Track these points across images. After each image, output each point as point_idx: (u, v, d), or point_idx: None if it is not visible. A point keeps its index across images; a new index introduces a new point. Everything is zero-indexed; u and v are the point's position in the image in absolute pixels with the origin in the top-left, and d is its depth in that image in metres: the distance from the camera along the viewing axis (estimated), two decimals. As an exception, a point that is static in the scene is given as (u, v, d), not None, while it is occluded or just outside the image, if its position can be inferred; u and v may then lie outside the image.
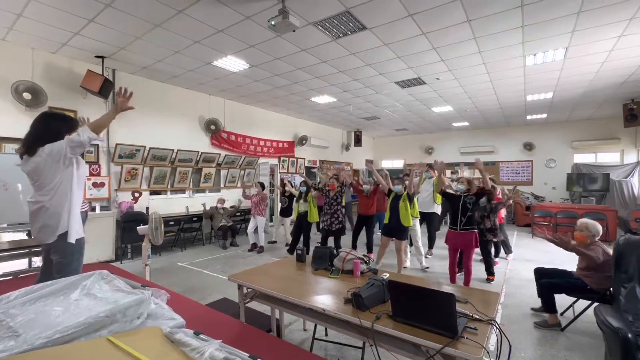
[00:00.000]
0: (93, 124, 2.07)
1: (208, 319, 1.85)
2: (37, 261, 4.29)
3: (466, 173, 7.61)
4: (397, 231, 4.36)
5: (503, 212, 5.42)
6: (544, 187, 10.36)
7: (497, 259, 5.34)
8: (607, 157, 9.58)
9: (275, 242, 7.00)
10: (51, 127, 2.02)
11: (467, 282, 3.78)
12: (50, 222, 2.00)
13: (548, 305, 3.11)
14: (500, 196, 5.03)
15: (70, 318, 0.99)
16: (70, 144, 1.96)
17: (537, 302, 3.33)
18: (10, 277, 3.59)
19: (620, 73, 5.62)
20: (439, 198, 5.70)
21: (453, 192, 4.07)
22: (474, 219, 3.79)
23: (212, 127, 7.24)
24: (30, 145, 1.98)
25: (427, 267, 4.91)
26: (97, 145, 5.46)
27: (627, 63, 5.15)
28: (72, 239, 2.04)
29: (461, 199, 3.83)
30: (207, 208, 6.81)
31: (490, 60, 5.15)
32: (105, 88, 5.00)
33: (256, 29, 4.09)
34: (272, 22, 3.38)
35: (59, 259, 2.03)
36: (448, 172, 11.57)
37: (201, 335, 1.01)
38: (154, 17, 3.84)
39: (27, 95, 4.54)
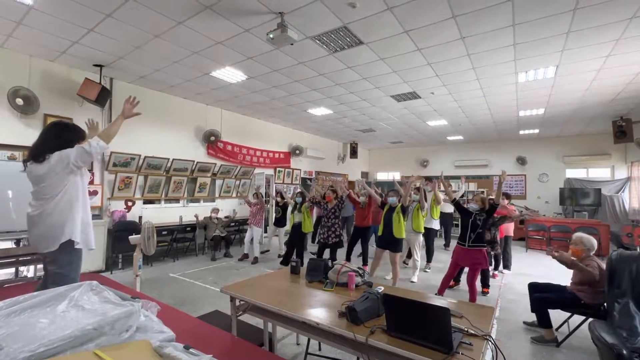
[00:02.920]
0: (103, 133, 2.07)
1: (199, 333, 1.80)
2: (24, 271, 4.18)
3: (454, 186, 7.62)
4: (390, 243, 4.31)
5: (511, 227, 5.45)
6: (538, 201, 10.47)
7: (496, 272, 5.33)
8: (598, 172, 9.74)
9: (267, 251, 6.90)
10: (64, 138, 2.02)
11: (472, 299, 3.69)
12: (52, 230, 1.95)
13: (543, 320, 3.09)
14: (504, 211, 5.03)
15: (57, 331, 0.96)
16: (80, 153, 1.96)
17: (532, 317, 3.32)
18: (-4, 287, 3.48)
19: (609, 91, 5.78)
20: (436, 213, 5.73)
21: (465, 206, 4.04)
22: (484, 236, 3.73)
23: (212, 138, 7.25)
24: (39, 153, 1.97)
25: (414, 282, 4.88)
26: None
27: (615, 81, 5.31)
28: (76, 247, 2.00)
29: (472, 215, 3.79)
30: (201, 219, 6.74)
31: (483, 76, 5.28)
32: (102, 96, 5.00)
33: (255, 41, 4.16)
34: (271, 36, 3.45)
35: (56, 270, 1.97)
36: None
37: (191, 350, 0.99)
38: (153, 28, 3.88)
39: (19, 101, 4.51)
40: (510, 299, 4.28)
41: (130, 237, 3.56)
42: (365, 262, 5.51)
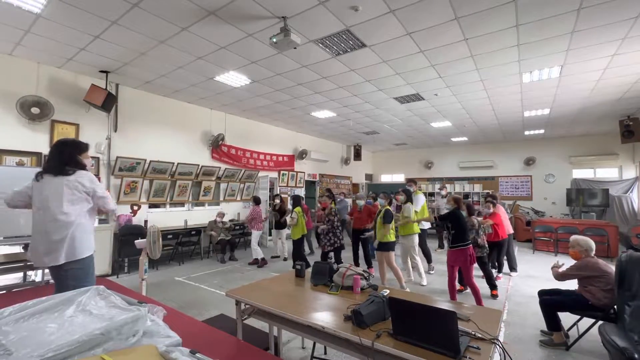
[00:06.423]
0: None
1: (204, 337, 1.80)
2: (32, 275, 4.22)
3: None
4: (382, 244, 4.37)
5: (509, 225, 5.38)
6: (544, 202, 10.36)
7: (499, 274, 5.27)
8: (605, 172, 9.62)
9: (278, 257, 6.83)
10: (65, 152, 2.15)
11: (478, 301, 3.66)
12: (65, 243, 2.03)
13: (552, 323, 3.05)
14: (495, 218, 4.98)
15: (64, 336, 0.96)
16: (100, 197, 2.17)
17: (541, 320, 3.26)
18: (4, 292, 3.52)
19: (616, 90, 5.72)
20: (425, 213, 5.67)
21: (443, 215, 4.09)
22: (463, 235, 3.76)
23: (220, 142, 7.30)
24: (53, 167, 2.10)
25: (424, 285, 4.83)
26: (98, 158, 5.48)
27: (621, 81, 5.25)
28: (87, 259, 2.11)
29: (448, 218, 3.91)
30: (207, 223, 6.77)
31: (487, 77, 5.25)
32: (108, 102, 5.06)
33: (258, 45, 4.19)
34: (274, 40, 3.47)
35: (75, 284, 1.95)
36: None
37: (197, 354, 0.99)
38: (158, 34, 3.93)
39: (35, 110, 4.63)
40: (517, 301, 4.22)
41: (136, 241, 3.58)
42: (369, 265, 5.48)
